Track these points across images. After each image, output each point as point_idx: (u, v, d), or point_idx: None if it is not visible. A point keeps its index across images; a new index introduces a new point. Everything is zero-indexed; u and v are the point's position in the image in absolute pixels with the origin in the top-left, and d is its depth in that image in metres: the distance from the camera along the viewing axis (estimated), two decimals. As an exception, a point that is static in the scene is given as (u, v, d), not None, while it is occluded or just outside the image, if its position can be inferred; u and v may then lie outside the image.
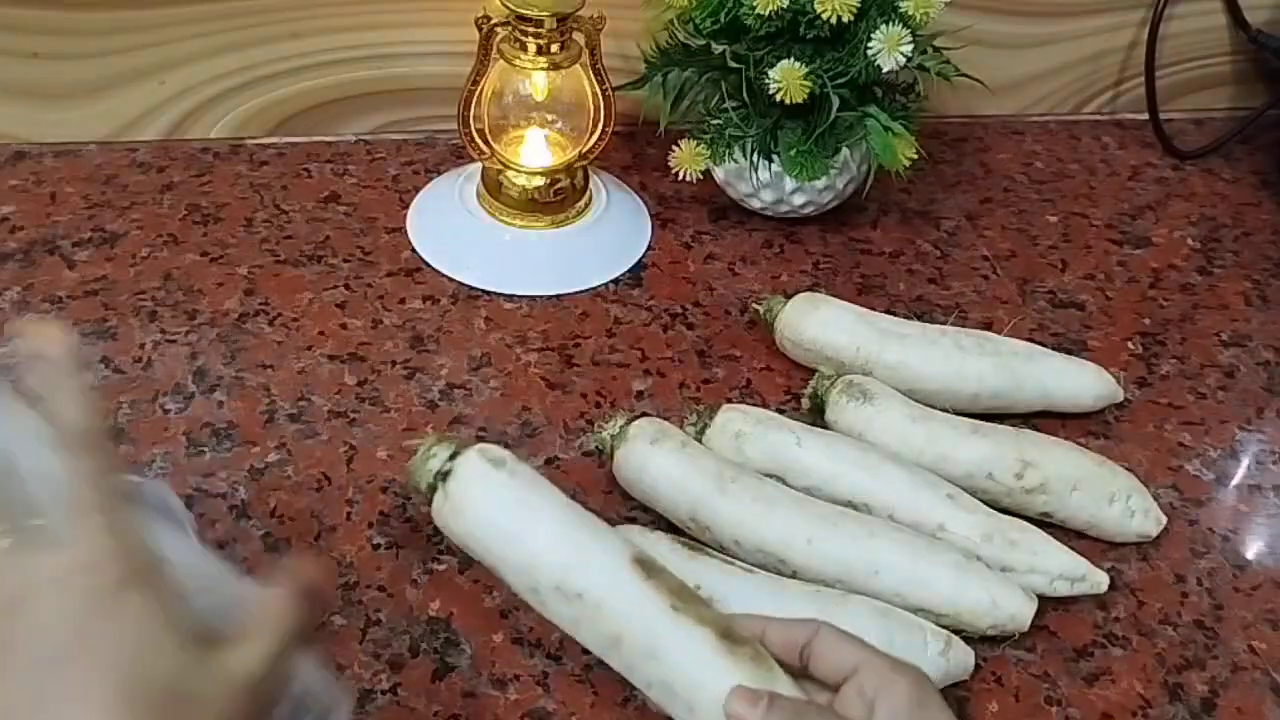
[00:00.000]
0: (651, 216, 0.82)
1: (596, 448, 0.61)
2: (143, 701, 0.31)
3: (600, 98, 0.76)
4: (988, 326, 0.74)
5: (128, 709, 0.31)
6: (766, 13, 0.70)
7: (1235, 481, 0.67)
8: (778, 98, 0.71)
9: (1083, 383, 0.68)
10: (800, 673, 0.45)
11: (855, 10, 0.69)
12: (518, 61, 0.73)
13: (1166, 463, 0.68)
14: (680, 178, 0.77)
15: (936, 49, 0.76)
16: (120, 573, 0.33)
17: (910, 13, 0.71)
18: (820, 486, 0.59)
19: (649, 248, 0.79)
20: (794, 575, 0.56)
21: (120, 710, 0.31)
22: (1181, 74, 0.97)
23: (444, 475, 0.49)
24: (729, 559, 0.56)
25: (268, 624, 0.36)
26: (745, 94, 0.74)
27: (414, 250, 0.77)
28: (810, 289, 0.75)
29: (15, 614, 0.32)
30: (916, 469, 0.60)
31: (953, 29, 0.79)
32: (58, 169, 0.81)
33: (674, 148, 0.77)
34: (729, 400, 0.67)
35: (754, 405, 0.65)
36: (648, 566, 0.47)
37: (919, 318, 0.74)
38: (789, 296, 0.71)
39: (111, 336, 0.69)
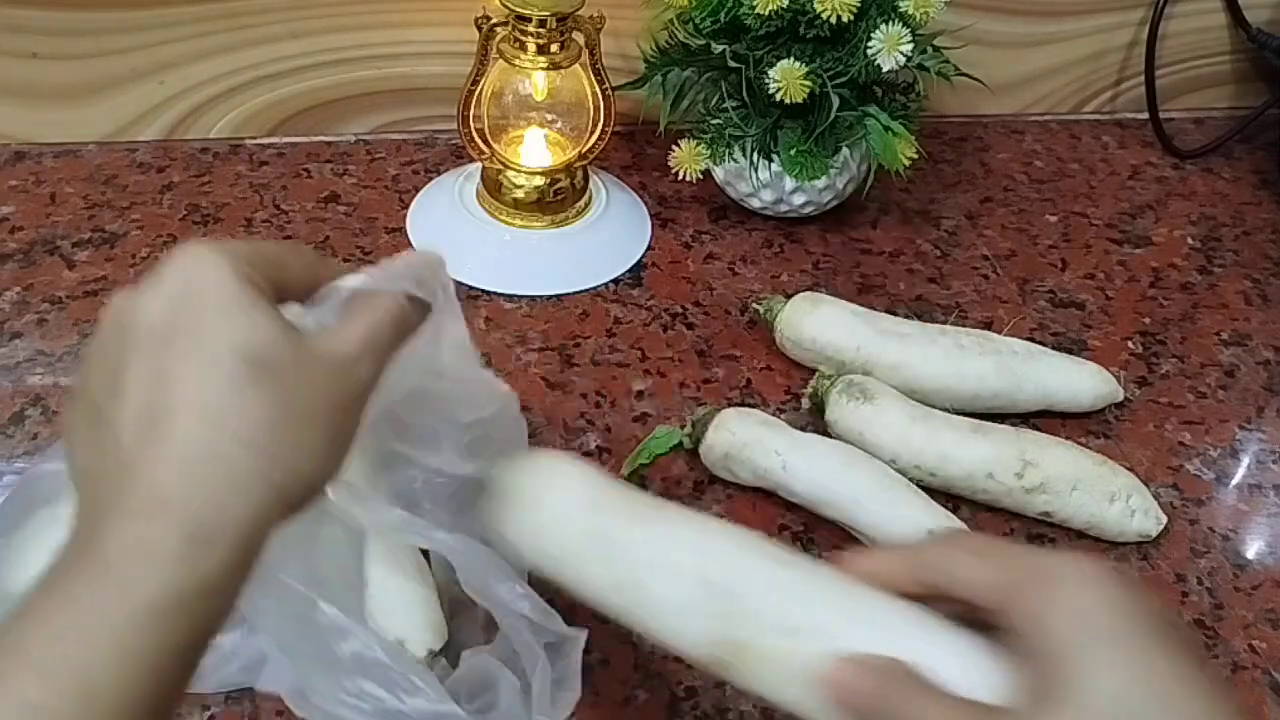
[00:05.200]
0: (651, 216, 0.82)
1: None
2: (245, 364, 0.34)
3: (600, 97, 0.76)
4: (988, 326, 0.74)
5: (229, 373, 0.34)
6: (766, 12, 0.69)
7: (1235, 481, 0.67)
8: (777, 97, 0.71)
9: (1083, 382, 0.68)
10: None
11: (855, 10, 0.69)
12: (517, 61, 0.73)
13: (1167, 462, 0.68)
14: (680, 178, 0.77)
15: (936, 48, 0.76)
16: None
17: (910, 12, 0.71)
18: (806, 508, 0.61)
19: (649, 248, 0.79)
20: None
21: (225, 370, 0.34)
22: (1181, 73, 0.97)
23: None
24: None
25: (367, 311, 0.39)
26: (745, 94, 0.74)
27: (414, 250, 0.77)
28: (810, 289, 0.75)
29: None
30: (907, 494, 0.60)
31: (953, 28, 0.79)
32: (57, 169, 0.80)
33: (674, 147, 0.76)
34: (729, 400, 0.67)
35: (754, 406, 0.65)
36: None
37: (919, 317, 0.74)
38: (789, 296, 0.71)
39: (111, 337, 0.68)
